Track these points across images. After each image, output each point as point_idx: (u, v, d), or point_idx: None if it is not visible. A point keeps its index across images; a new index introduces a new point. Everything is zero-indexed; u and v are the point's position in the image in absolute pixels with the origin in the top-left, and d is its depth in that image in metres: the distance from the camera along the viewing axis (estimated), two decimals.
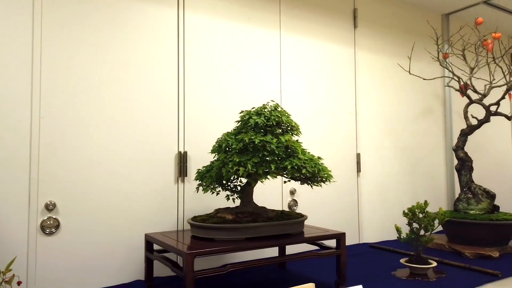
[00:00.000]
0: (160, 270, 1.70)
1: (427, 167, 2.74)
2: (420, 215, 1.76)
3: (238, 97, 1.98)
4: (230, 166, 1.35)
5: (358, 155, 2.41)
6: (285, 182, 1.70)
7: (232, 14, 1.99)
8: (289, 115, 1.50)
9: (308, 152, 1.50)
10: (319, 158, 1.50)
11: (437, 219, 1.79)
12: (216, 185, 1.45)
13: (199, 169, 1.58)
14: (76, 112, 1.58)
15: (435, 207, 2.73)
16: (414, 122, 2.69)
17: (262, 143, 1.35)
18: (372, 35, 2.52)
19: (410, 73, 2.26)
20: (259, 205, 1.99)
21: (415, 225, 1.77)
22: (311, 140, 2.22)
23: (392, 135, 2.57)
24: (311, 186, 1.55)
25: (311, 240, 1.53)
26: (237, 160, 1.35)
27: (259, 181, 1.82)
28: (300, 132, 1.51)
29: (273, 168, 1.35)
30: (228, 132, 1.48)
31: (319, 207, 2.23)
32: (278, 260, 1.54)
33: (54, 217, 1.52)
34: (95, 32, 1.63)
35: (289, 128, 1.47)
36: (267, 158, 1.37)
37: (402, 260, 1.78)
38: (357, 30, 2.46)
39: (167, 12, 1.80)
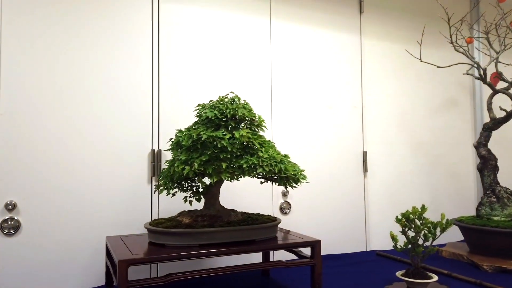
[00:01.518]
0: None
1: (449, 166, 2.43)
2: (418, 222, 1.53)
3: (220, 91, 1.84)
4: (176, 165, 1.22)
5: (364, 153, 2.18)
6: (261, 183, 1.54)
7: (214, 0, 1.86)
8: (251, 108, 1.34)
9: (274, 150, 1.33)
10: (285, 156, 1.32)
11: (438, 227, 1.54)
12: (172, 186, 1.33)
13: (164, 168, 1.47)
14: (37, 109, 1.52)
15: (459, 211, 2.42)
16: (433, 116, 2.40)
17: (211, 139, 1.21)
18: (381, 21, 2.27)
19: (421, 61, 2.00)
20: (244, 208, 1.86)
21: (410, 233, 1.54)
22: (307, 137, 2.03)
23: (405, 131, 2.31)
24: (285, 187, 1.39)
25: (279, 248, 1.36)
26: (184, 158, 1.21)
27: (235, 181, 1.68)
28: (263, 126, 1.35)
29: (224, 167, 1.20)
30: (184, 128, 1.35)
31: (317, 211, 2.03)
32: (233, 270, 1.29)
33: (15, 217, 1.47)
34: (60, 26, 1.57)
35: (248, 123, 1.31)
36: (220, 156, 1.22)
37: (398, 273, 1.55)
38: (364, 16, 2.22)
39: (140, 2, 1.71)
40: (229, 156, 1.22)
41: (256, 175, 1.27)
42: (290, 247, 1.37)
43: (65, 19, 1.58)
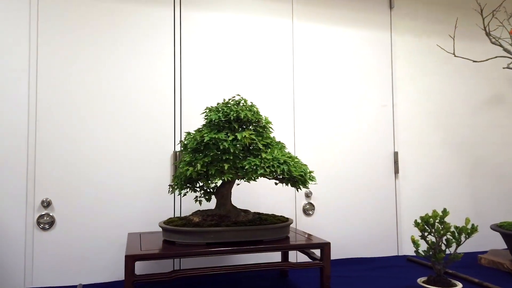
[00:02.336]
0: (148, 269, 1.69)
1: (494, 168, 2.26)
2: (439, 226, 1.44)
3: (242, 94, 1.88)
4: (181, 166, 1.27)
5: (395, 154, 2.10)
6: (276, 184, 1.54)
7: (236, 4, 1.90)
8: (256, 110, 1.35)
9: (281, 151, 1.34)
10: (290, 157, 1.32)
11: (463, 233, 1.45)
12: (183, 186, 1.38)
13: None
14: (71, 113, 1.66)
15: (506, 217, 2.24)
16: (475, 114, 2.25)
17: (213, 141, 1.24)
18: (413, 15, 2.17)
19: (455, 55, 1.88)
20: (266, 209, 1.87)
21: (431, 238, 1.46)
22: (333, 138, 2.00)
23: (442, 130, 2.18)
24: (296, 188, 1.39)
25: (286, 249, 1.36)
26: (188, 159, 1.26)
27: (252, 181, 1.71)
28: (269, 128, 1.36)
29: (226, 168, 1.23)
30: (194, 131, 1.40)
31: (343, 213, 1.99)
32: (235, 269, 1.32)
33: (50, 213, 1.62)
34: (91, 34, 1.70)
35: (254, 124, 1.32)
36: (223, 157, 1.26)
37: (419, 280, 1.48)
38: (394, 11, 2.14)
39: (163, 7, 1.80)
40: (231, 158, 1.25)
41: (261, 176, 1.28)
42: (297, 248, 1.37)
43: (94, 30, 1.70)
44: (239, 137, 1.25)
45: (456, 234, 1.45)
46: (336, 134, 2.01)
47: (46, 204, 1.62)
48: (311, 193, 1.95)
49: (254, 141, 1.28)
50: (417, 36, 2.16)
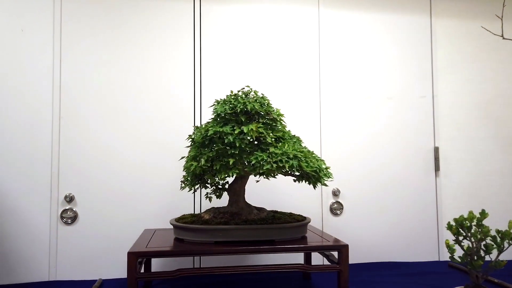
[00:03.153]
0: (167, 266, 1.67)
1: None
2: (476, 230, 1.27)
3: (265, 85, 1.80)
4: (187, 160, 1.22)
5: (436, 149, 1.91)
6: (294, 180, 1.45)
7: None
8: (267, 102, 1.27)
9: (293, 145, 1.25)
10: (302, 152, 1.23)
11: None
12: (195, 182, 1.33)
13: None
14: (92, 112, 1.68)
15: None
16: None
17: (218, 135, 1.18)
18: None
19: (503, 38, 1.66)
20: (292, 207, 1.77)
21: (466, 242, 1.29)
22: (363, 132, 1.86)
23: (490, 123, 1.96)
24: (313, 185, 1.29)
25: (297, 250, 1.26)
26: (192, 154, 1.21)
27: (272, 178, 1.64)
28: (281, 121, 1.27)
29: (231, 162, 1.17)
30: (203, 124, 1.35)
31: (375, 213, 1.85)
32: (243, 270, 1.27)
33: (73, 208, 1.65)
34: (113, 35, 1.71)
35: (263, 117, 1.24)
36: (228, 152, 1.19)
37: None
38: None
39: (182, 5, 1.77)
40: (237, 152, 1.18)
41: (269, 172, 1.20)
42: (310, 250, 1.27)
43: (120, 32, 1.71)
44: (245, 130, 1.18)
45: (498, 239, 1.27)
46: (368, 128, 1.87)
47: (69, 199, 1.65)
48: (338, 191, 1.83)
49: (263, 135, 1.20)
50: (459, 18, 1.96)
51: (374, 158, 1.87)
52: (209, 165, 1.18)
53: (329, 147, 1.83)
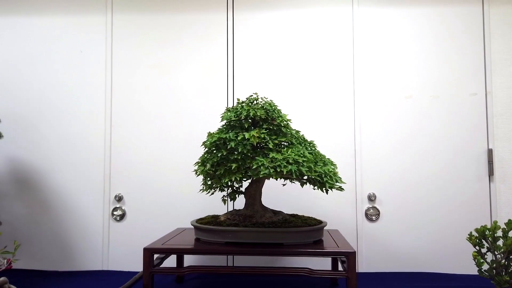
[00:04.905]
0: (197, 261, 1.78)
1: None
2: (501, 241, 1.15)
3: (298, 90, 1.81)
4: (198, 166, 1.30)
5: (489, 152, 1.73)
6: (302, 185, 1.44)
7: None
8: (274, 108, 1.30)
9: (298, 150, 1.25)
10: (305, 156, 1.23)
11: None
12: (210, 185, 1.41)
13: None
14: (138, 121, 1.86)
15: None
16: None
17: (222, 141, 1.24)
18: None
19: None
20: (321, 214, 1.75)
21: (489, 255, 1.17)
22: (403, 135, 1.77)
23: None
24: (325, 191, 1.29)
25: (303, 255, 1.26)
26: (201, 159, 1.29)
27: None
28: (286, 126, 1.29)
29: (233, 167, 1.22)
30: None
31: (417, 220, 1.74)
32: (252, 271, 1.32)
33: (122, 207, 1.85)
34: (155, 46, 1.87)
35: (269, 122, 1.27)
36: (230, 157, 1.25)
37: None
38: None
39: (216, 16, 1.87)
40: (239, 157, 1.23)
41: (268, 176, 1.22)
42: (316, 255, 1.26)
43: (157, 42, 1.87)
44: (247, 136, 1.22)
45: None
46: (408, 129, 1.77)
47: (118, 198, 1.85)
48: (374, 196, 1.76)
49: (265, 140, 1.24)
50: None
51: (414, 162, 1.76)
52: (214, 169, 1.25)
53: (364, 150, 1.77)
